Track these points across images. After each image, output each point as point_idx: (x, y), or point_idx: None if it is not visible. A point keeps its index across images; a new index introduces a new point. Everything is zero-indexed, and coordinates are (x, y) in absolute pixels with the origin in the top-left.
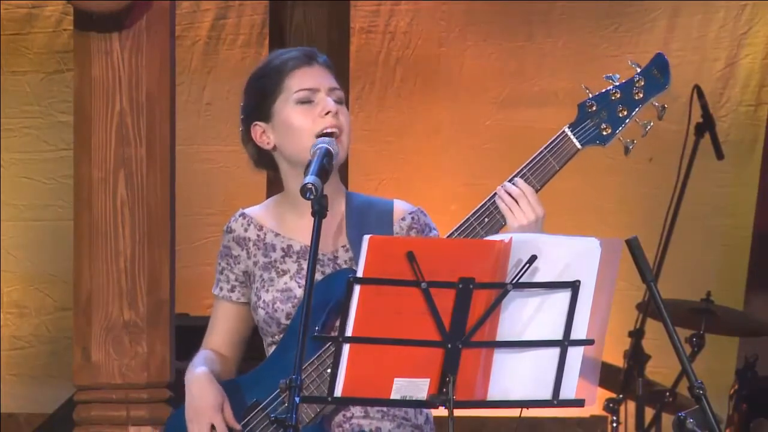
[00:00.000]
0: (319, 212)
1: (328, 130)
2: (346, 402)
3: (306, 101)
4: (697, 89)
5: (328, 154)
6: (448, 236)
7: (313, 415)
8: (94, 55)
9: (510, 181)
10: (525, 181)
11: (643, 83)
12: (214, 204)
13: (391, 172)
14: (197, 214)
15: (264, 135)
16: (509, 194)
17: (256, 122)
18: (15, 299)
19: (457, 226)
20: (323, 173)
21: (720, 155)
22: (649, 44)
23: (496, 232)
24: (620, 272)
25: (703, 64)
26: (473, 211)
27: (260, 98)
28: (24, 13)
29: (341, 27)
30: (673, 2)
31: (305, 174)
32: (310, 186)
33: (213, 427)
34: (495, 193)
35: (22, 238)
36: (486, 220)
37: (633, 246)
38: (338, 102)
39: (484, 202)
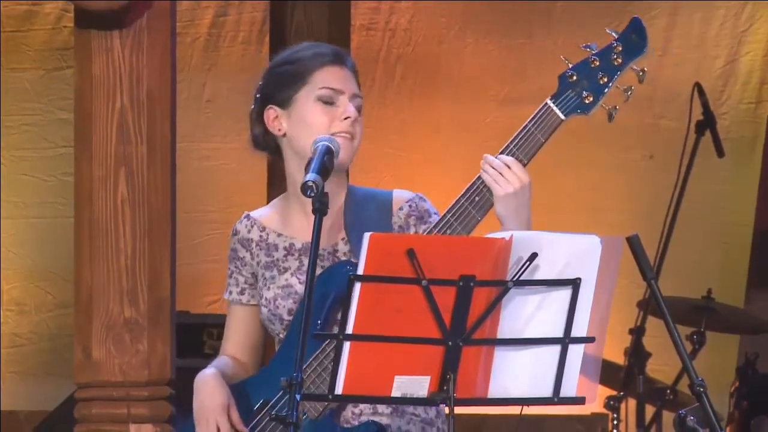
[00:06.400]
0: (320, 210)
1: (343, 135)
2: (346, 399)
3: (328, 101)
4: (698, 87)
5: (328, 152)
6: (440, 219)
7: (321, 409)
8: (95, 52)
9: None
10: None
11: (621, 48)
12: (214, 201)
13: (391, 170)
14: (197, 211)
15: (276, 120)
16: (491, 166)
17: (272, 105)
18: (15, 296)
19: (449, 207)
20: (324, 171)
21: (720, 153)
22: (649, 42)
23: (488, 209)
24: (621, 270)
25: (704, 61)
26: (463, 191)
27: (282, 84)
28: (24, 10)
29: (341, 24)
30: (673, 1)
31: (305, 171)
32: (310, 184)
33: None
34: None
35: (23, 235)
36: (477, 198)
37: (633, 243)
38: (357, 109)
39: (472, 181)
